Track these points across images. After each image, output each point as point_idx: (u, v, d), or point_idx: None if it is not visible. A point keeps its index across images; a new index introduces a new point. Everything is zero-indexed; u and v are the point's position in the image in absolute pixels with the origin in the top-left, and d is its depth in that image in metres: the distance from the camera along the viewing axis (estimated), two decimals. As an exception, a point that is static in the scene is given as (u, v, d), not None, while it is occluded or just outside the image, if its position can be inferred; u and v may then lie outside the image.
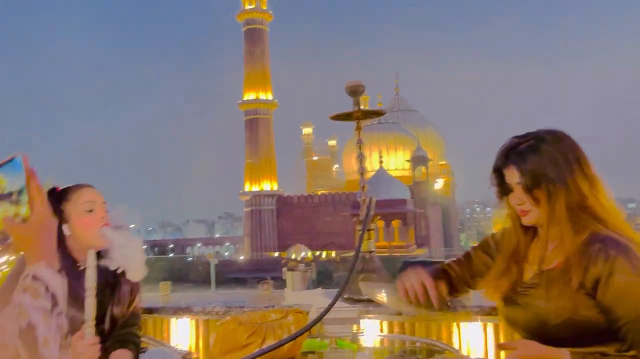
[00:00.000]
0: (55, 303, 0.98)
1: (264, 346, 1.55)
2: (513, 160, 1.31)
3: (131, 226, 1.81)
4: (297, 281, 2.35)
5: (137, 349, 1.79)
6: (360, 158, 2.25)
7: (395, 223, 33.13)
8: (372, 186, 34.59)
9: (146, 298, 2.65)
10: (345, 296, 2.16)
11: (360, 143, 2.24)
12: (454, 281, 1.53)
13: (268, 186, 42.45)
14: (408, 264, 2.20)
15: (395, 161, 42.18)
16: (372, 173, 37.19)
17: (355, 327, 1.87)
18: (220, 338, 1.60)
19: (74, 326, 1.28)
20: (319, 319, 1.50)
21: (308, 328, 1.58)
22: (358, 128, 2.22)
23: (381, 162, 35.98)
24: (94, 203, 1.63)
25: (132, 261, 1.62)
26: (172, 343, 2.25)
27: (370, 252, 2.20)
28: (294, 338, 1.54)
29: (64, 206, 1.62)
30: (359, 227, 2.06)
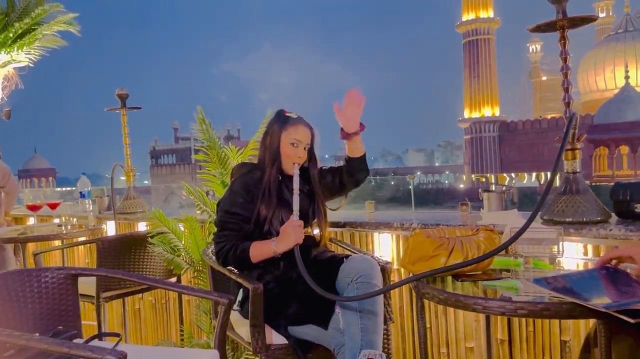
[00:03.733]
0: None
1: (450, 259, 1.63)
2: None
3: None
4: (492, 202, 2.34)
5: None
6: (565, 70, 2.05)
7: (623, 149, 28.23)
8: (615, 105, 29.81)
9: (355, 214, 2.95)
10: (545, 217, 2.07)
11: (565, 55, 2.04)
12: None
13: (489, 111, 40.32)
14: (620, 186, 1.99)
15: (647, 75, 35.53)
16: (616, 91, 32.05)
17: (554, 248, 1.80)
18: (410, 249, 1.73)
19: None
20: (516, 238, 1.52)
21: (504, 247, 1.61)
22: (562, 38, 2.01)
23: (627, 77, 30.62)
24: (300, 142, 1.96)
25: None
26: (376, 254, 2.49)
27: (575, 173, 2.04)
28: (491, 255, 1.58)
29: (282, 129, 1.98)
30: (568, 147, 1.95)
